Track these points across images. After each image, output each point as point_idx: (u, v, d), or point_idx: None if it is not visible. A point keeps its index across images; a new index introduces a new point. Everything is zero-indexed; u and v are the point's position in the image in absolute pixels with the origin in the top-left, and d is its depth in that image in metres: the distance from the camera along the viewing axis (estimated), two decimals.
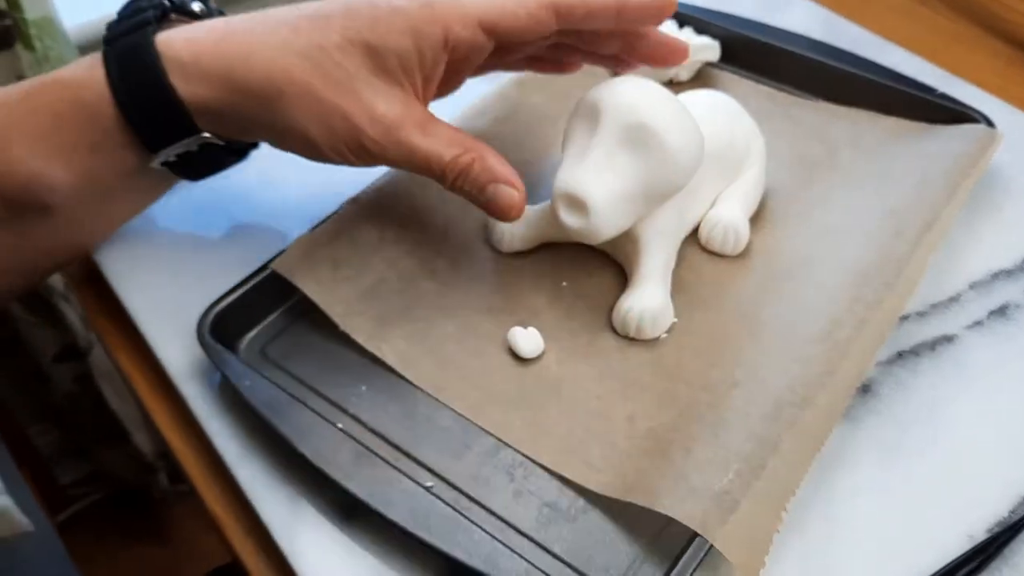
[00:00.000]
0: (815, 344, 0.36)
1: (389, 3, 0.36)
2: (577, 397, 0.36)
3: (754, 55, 0.51)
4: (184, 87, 0.36)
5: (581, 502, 0.33)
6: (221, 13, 0.41)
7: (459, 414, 0.36)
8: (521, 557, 0.31)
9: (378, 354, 0.38)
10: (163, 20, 0.38)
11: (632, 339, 0.38)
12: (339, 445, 0.34)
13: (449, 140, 0.37)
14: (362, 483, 0.33)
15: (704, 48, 0.51)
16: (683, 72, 0.50)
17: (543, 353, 0.38)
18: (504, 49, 0.39)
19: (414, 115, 0.37)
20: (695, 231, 0.42)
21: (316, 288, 0.39)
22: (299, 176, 0.40)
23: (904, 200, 0.41)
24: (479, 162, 0.36)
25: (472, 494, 0.34)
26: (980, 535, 0.33)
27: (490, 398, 0.36)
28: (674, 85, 0.51)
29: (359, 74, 0.36)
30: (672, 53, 0.40)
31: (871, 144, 0.46)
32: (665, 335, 0.38)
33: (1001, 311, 0.40)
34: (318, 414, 0.35)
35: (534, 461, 0.35)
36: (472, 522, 0.32)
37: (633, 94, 0.36)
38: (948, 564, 0.32)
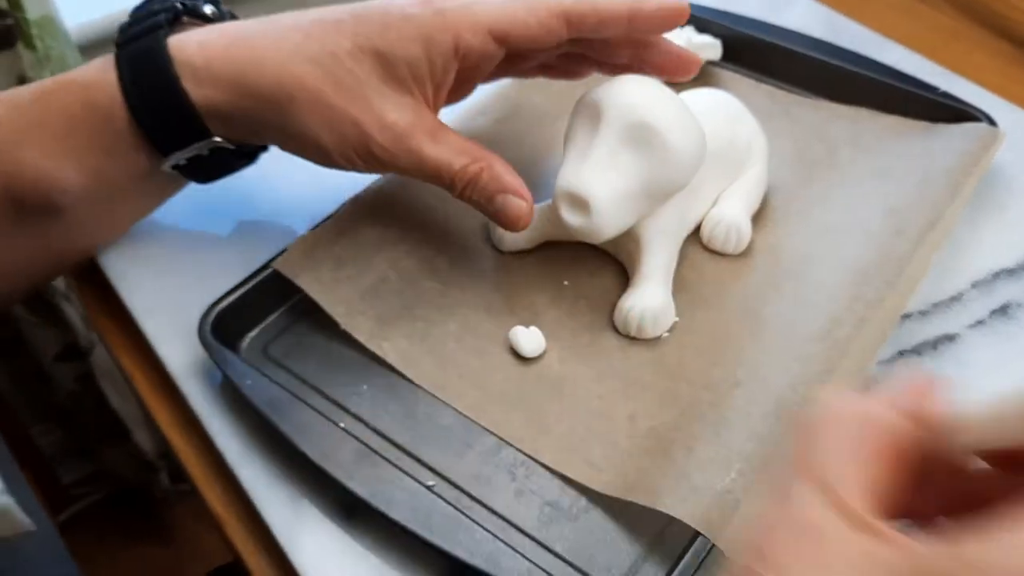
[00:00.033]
0: (816, 343, 0.36)
1: (400, 10, 0.36)
2: (578, 396, 0.36)
3: (756, 54, 0.51)
4: (196, 91, 0.37)
5: (583, 501, 0.33)
6: (233, 16, 0.41)
7: (460, 413, 0.36)
8: (523, 556, 0.31)
9: (379, 353, 0.38)
10: (175, 23, 0.39)
11: (634, 338, 0.38)
12: (341, 444, 0.34)
13: (458, 149, 0.37)
14: (363, 482, 0.33)
15: (706, 47, 0.51)
16: None
17: (544, 352, 0.38)
18: (515, 57, 0.39)
19: (424, 123, 0.37)
20: (697, 230, 0.42)
21: (317, 287, 0.39)
22: (300, 175, 0.40)
23: (906, 199, 0.41)
24: (488, 172, 0.37)
25: (474, 493, 0.34)
26: None
27: (491, 397, 0.36)
28: (675, 84, 0.51)
29: (370, 81, 0.36)
30: (683, 65, 0.39)
31: (873, 143, 0.46)
32: (666, 334, 0.38)
33: (1003, 310, 0.40)
34: (319, 413, 0.35)
35: (536, 460, 0.35)
36: (474, 521, 0.32)
37: (634, 93, 0.36)
38: None
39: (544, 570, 0.31)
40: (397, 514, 0.32)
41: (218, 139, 0.38)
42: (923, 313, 0.40)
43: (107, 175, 0.39)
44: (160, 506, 1.19)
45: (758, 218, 0.42)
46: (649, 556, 0.32)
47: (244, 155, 0.41)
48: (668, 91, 0.37)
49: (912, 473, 0.20)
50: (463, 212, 0.43)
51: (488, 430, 0.36)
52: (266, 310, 0.41)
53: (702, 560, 0.31)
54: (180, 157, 0.39)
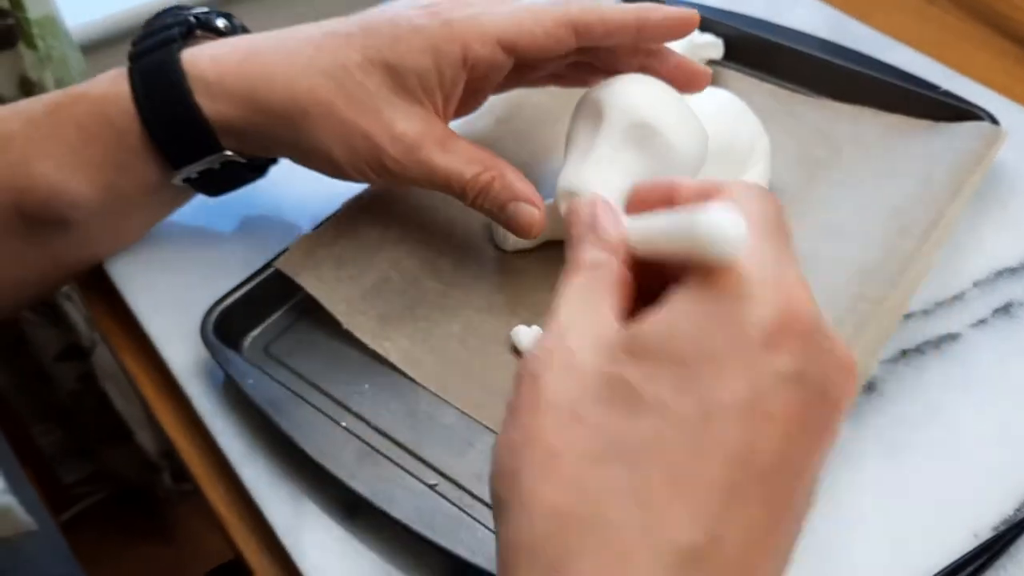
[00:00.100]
0: None
1: (409, 21, 0.36)
2: None
3: (758, 53, 0.51)
4: (209, 106, 0.37)
5: None
6: (245, 30, 0.41)
7: (462, 412, 0.36)
8: None
9: (381, 352, 0.38)
10: (188, 37, 0.39)
11: None
12: (343, 443, 0.34)
13: (469, 158, 0.37)
14: (366, 481, 0.33)
15: (708, 46, 0.51)
16: None
17: None
18: (524, 67, 0.39)
19: (434, 133, 0.37)
20: None
21: (319, 287, 0.39)
22: (302, 175, 0.40)
23: (908, 198, 0.41)
24: (499, 180, 0.37)
25: (476, 492, 0.34)
26: (985, 533, 0.33)
27: (494, 396, 0.36)
28: None
29: (380, 93, 0.36)
30: (692, 78, 0.39)
31: (875, 142, 0.46)
32: None
33: (1005, 309, 0.40)
34: (321, 412, 0.35)
35: None
36: (475, 520, 0.32)
37: (636, 93, 0.36)
38: (953, 562, 0.32)
39: None
40: (399, 513, 0.32)
41: (229, 153, 0.39)
42: (925, 312, 0.40)
43: (118, 188, 0.39)
44: (162, 506, 1.19)
45: None
46: None
47: (254, 168, 0.42)
48: (670, 91, 0.37)
49: (641, 279, 0.25)
50: (465, 212, 0.43)
51: (490, 429, 0.36)
52: (268, 309, 0.41)
53: None
54: (192, 170, 0.39)
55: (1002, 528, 0.33)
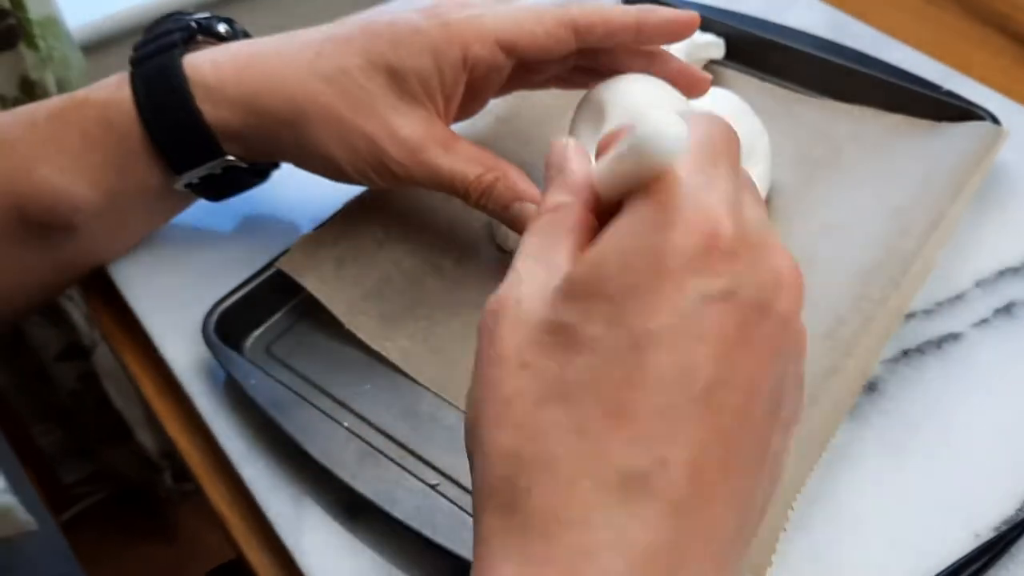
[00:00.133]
0: (820, 342, 0.36)
1: (408, 23, 0.36)
2: None
3: (759, 52, 0.51)
4: (210, 111, 0.37)
5: None
6: (246, 35, 0.41)
7: (464, 412, 0.36)
8: None
9: (383, 352, 0.38)
10: (190, 42, 0.39)
11: None
12: (344, 444, 0.34)
13: (472, 159, 0.37)
14: (367, 481, 0.33)
15: (708, 46, 0.50)
16: None
17: None
18: (525, 69, 0.40)
19: (436, 135, 0.37)
20: None
21: (321, 286, 0.39)
22: (303, 175, 0.40)
23: (909, 198, 0.41)
24: (502, 181, 0.37)
25: None
26: (987, 533, 0.33)
27: None
28: None
29: (382, 96, 0.36)
30: (693, 83, 0.39)
31: (876, 142, 0.46)
32: None
33: (1007, 309, 0.40)
34: (323, 412, 0.35)
35: None
36: None
37: (638, 92, 0.36)
38: (955, 562, 0.32)
39: None
40: (400, 513, 0.32)
41: (231, 158, 0.39)
42: (927, 312, 0.40)
43: (120, 193, 0.39)
44: (163, 505, 1.19)
45: None
46: None
47: (256, 173, 0.42)
48: (672, 90, 0.37)
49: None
50: (466, 211, 0.43)
51: None
52: (269, 309, 0.41)
53: None
54: (193, 175, 0.39)
55: (1003, 528, 0.33)
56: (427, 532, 0.31)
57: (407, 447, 0.35)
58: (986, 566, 0.32)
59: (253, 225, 0.45)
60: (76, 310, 0.95)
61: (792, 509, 0.31)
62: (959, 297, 0.40)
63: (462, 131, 0.39)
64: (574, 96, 0.40)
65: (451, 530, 0.31)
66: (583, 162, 0.26)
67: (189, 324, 0.39)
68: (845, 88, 0.48)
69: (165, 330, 0.41)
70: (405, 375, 0.38)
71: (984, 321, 0.39)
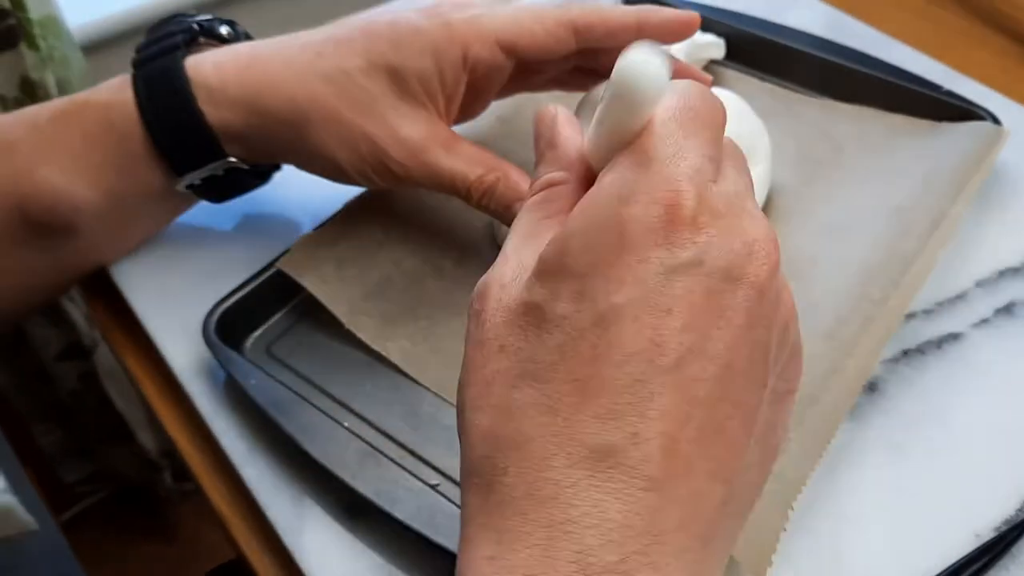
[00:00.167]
0: (822, 341, 0.36)
1: (409, 23, 0.36)
2: None
3: (759, 53, 0.51)
4: (212, 112, 0.37)
5: None
6: (248, 36, 0.41)
7: None
8: None
9: (383, 353, 0.38)
10: (192, 44, 0.39)
11: None
12: (345, 444, 0.34)
13: (473, 159, 0.37)
14: (367, 481, 0.33)
15: (709, 46, 0.50)
16: None
17: None
18: (526, 70, 0.40)
19: (438, 135, 0.37)
20: None
21: (321, 287, 0.39)
22: (304, 175, 0.40)
23: (910, 198, 0.41)
24: (503, 181, 0.37)
25: None
26: (987, 533, 0.33)
27: None
28: None
29: (383, 97, 0.36)
30: None
31: (877, 142, 0.46)
32: None
33: (1007, 309, 0.40)
34: (324, 413, 0.35)
35: None
36: None
37: None
38: (955, 562, 0.32)
39: None
40: (401, 513, 0.32)
41: (233, 159, 0.39)
42: (927, 312, 0.40)
43: (122, 194, 0.39)
44: (163, 505, 1.19)
45: None
46: None
47: (258, 174, 0.42)
48: None
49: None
50: (466, 211, 0.43)
51: None
52: (270, 310, 0.41)
53: None
54: (195, 177, 0.39)
55: (1004, 528, 0.33)
56: (427, 532, 0.31)
57: (407, 447, 0.35)
58: (986, 566, 0.32)
59: (253, 225, 0.45)
60: (76, 310, 0.95)
61: (792, 509, 0.31)
62: (960, 297, 0.40)
63: (463, 132, 0.39)
64: (575, 96, 0.40)
65: (451, 530, 0.31)
66: (574, 134, 0.26)
67: (189, 324, 0.39)
68: (846, 88, 0.48)
69: (165, 330, 0.41)
70: (406, 375, 0.38)
71: (985, 321, 0.39)
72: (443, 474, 0.34)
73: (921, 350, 0.38)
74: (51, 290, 0.45)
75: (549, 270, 0.22)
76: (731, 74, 0.51)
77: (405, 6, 0.38)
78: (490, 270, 0.24)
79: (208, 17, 0.41)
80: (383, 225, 0.42)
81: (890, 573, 0.32)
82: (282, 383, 0.36)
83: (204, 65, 0.37)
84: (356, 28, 0.37)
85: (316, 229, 0.41)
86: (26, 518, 0.51)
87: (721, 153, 0.24)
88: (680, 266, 0.21)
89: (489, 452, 0.22)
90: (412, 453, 0.35)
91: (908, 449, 0.35)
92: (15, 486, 0.51)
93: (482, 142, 0.38)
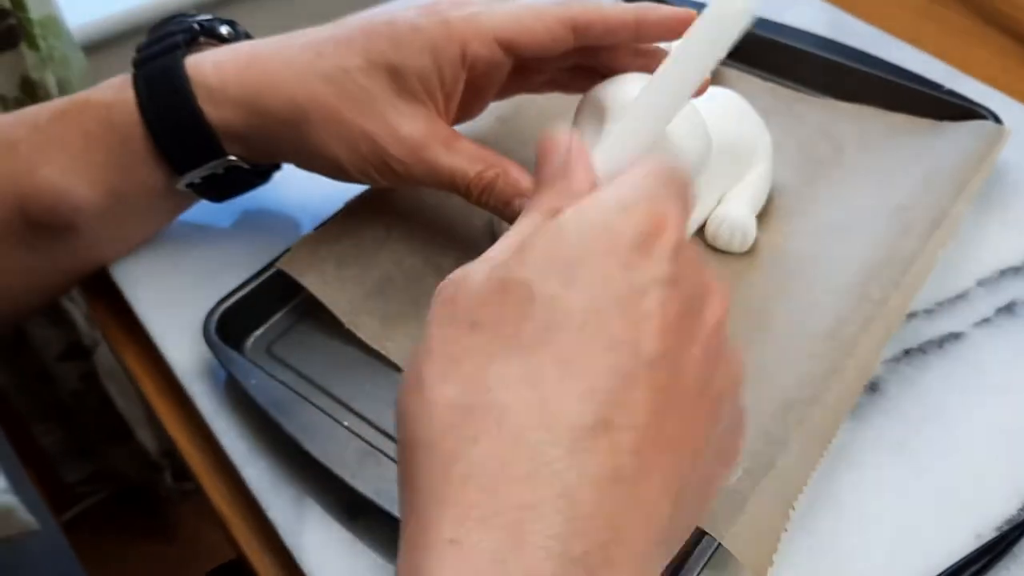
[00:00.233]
0: (823, 341, 0.36)
1: (407, 22, 0.36)
2: None
3: (760, 52, 0.51)
4: (212, 111, 0.37)
5: None
6: (248, 36, 0.41)
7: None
8: None
9: (383, 352, 0.38)
10: (192, 43, 0.39)
11: None
12: (345, 443, 0.34)
13: (472, 156, 0.37)
14: (368, 481, 0.33)
15: None
16: None
17: None
18: (525, 70, 0.40)
19: (437, 133, 0.37)
20: (701, 228, 0.42)
21: (322, 286, 0.39)
22: (304, 174, 0.40)
23: (911, 197, 0.41)
24: (503, 177, 0.37)
25: None
26: (988, 533, 0.33)
27: None
28: None
29: (383, 95, 0.36)
30: None
31: (878, 141, 0.46)
32: None
33: (1009, 308, 0.40)
34: (324, 412, 0.35)
35: None
36: None
37: (639, 91, 0.36)
38: (957, 562, 0.32)
39: None
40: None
41: (233, 158, 0.39)
42: (929, 312, 0.40)
43: (122, 193, 0.39)
44: (164, 504, 1.19)
45: (763, 217, 0.42)
46: None
47: (258, 174, 0.42)
48: None
49: None
50: (467, 209, 0.43)
51: None
52: (270, 309, 0.41)
53: (708, 559, 0.31)
54: (195, 176, 0.39)
55: (1005, 528, 0.33)
56: None
57: None
58: (988, 566, 0.32)
59: (254, 225, 0.45)
60: (77, 310, 0.95)
61: (793, 509, 0.31)
62: (961, 296, 0.40)
63: (463, 131, 0.39)
64: (575, 96, 0.40)
65: None
66: (586, 167, 0.27)
67: (190, 324, 0.39)
68: (846, 87, 0.48)
69: (166, 330, 0.41)
70: None
71: (986, 320, 0.39)
72: None
73: (922, 349, 0.38)
74: (52, 290, 0.45)
75: (542, 252, 0.23)
76: (732, 73, 0.51)
77: (405, 5, 0.38)
78: (464, 267, 0.25)
79: (208, 17, 0.41)
80: (384, 224, 0.42)
81: (891, 573, 0.32)
82: (282, 383, 0.36)
83: (204, 64, 0.37)
84: (355, 27, 0.37)
85: (316, 228, 0.41)
86: (27, 518, 0.51)
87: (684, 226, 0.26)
88: (661, 279, 0.23)
89: (455, 423, 0.22)
90: None
91: (909, 449, 0.35)
92: (16, 486, 0.51)
93: (483, 142, 0.38)
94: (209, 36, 0.40)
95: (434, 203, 0.43)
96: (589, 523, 0.21)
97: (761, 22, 0.52)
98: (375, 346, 0.38)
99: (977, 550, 0.32)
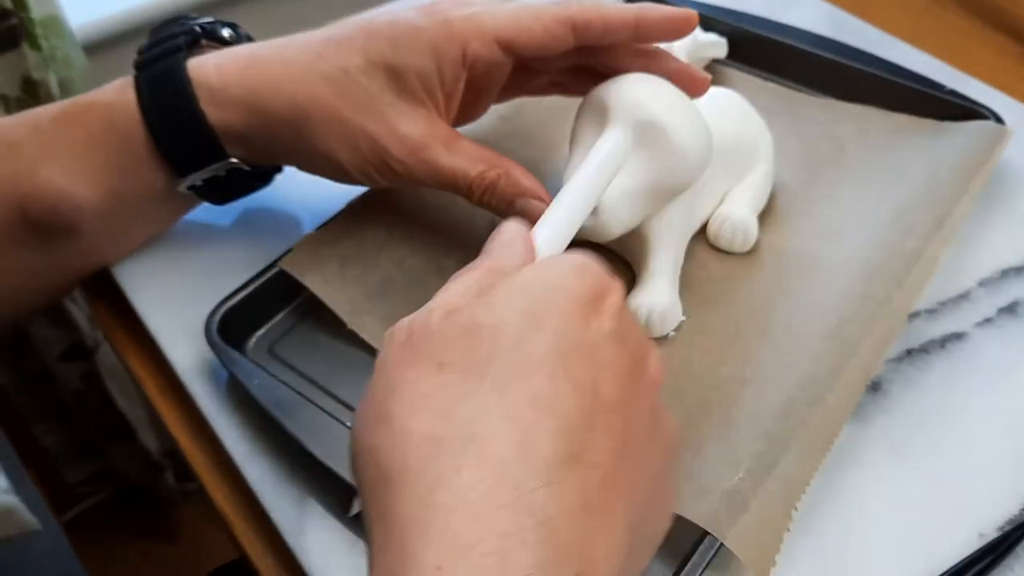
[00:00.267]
0: (824, 342, 0.36)
1: (407, 22, 0.36)
2: None
3: (762, 52, 0.51)
4: (213, 113, 0.37)
5: None
6: (250, 39, 0.41)
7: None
8: None
9: None
10: (194, 46, 0.39)
11: None
12: (347, 443, 0.34)
13: (474, 156, 0.37)
14: None
15: (711, 45, 0.50)
16: None
17: None
18: (526, 71, 0.40)
19: (438, 133, 0.37)
20: (703, 228, 0.42)
21: (323, 286, 0.39)
22: (306, 175, 0.40)
23: (913, 197, 0.41)
24: (505, 178, 0.37)
25: None
26: (991, 533, 0.32)
27: None
28: None
29: (383, 96, 0.36)
30: (693, 83, 0.39)
31: (880, 141, 0.46)
32: (673, 333, 0.38)
33: (1011, 308, 0.40)
34: (326, 412, 0.35)
35: None
36: None
37: (641, 91, 0.36)
38: (959, 562, 0.32)
39: None
40: None
41: (235, 160, 0.39)
42: (931, 312, 0.40)
43: (124, 195, 0.39)
44: (165, 505, 1.19)
45: (765, 217, 0.42)
46: (657, 556, 0.32)
47: (259, 176, 0.42)
48: (675, 90, 0.37)
49: None
50: (469, 210, 0.43)
51: None
52: (272, 309, 0.41)
53: (710, 560, 0.31)
54: (197, 178, 0.39)
55: (1008, 528, 0.33)
56: None
57: None
58: (990, 566, 0.32)
59: (255, 225, 0.45)
60: (79, 310, 0.95)
61: (796, 509, 0.31)
62: (963, 296, 0.40)
63: (464, 133, 0.39)
64: (575, 102, 0.39)
65: None
66: (531, 246, 0.30)
67: (192, 324, 0.39)
68: (848, 87, 0.48)
69: (168, 330, 0.41)
70: None
71: (988, 320, 0.39)
72: None
73: (925, 349, 0.38)
74: (53, 291, 0.45)
75: (506, 302, 0.25)
76: (733, 73, 0.51)
77: (405, 6, 0.38)
78: (413, 315, 0.26)
79: (210, 20, 0.41)
80: (385, 224, 0.42)
81: (894, 573, 0.32)
82: (284, 383, 0.36)
83: (206, 66, 0.37)
84: (355, 28, 0.37)
85: (318, 228, 0.41)
86: (28, 518, 0.51)
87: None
88: (612, 336, 0.25)
89: (435, 454, 0.22)
90: None
91: (912, 449, 0.35)
92: (17, 486, 0.51)
93: (484, 141, 0.38)
94: (211, 39, 0.40)
95: (436, 203, 0.43)
96: (566, 552, 0.22)
97: (762, 22, 0.52)
98: (377, 346, 0.38)
99: (980, 550, 0.32)
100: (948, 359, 0.38)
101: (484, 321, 0.25)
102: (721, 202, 0.42)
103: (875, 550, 0.32)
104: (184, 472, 1.14)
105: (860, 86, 0.48)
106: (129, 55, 0.39)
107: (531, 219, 0.37)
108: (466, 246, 0.42)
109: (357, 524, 0.34)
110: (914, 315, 0.39)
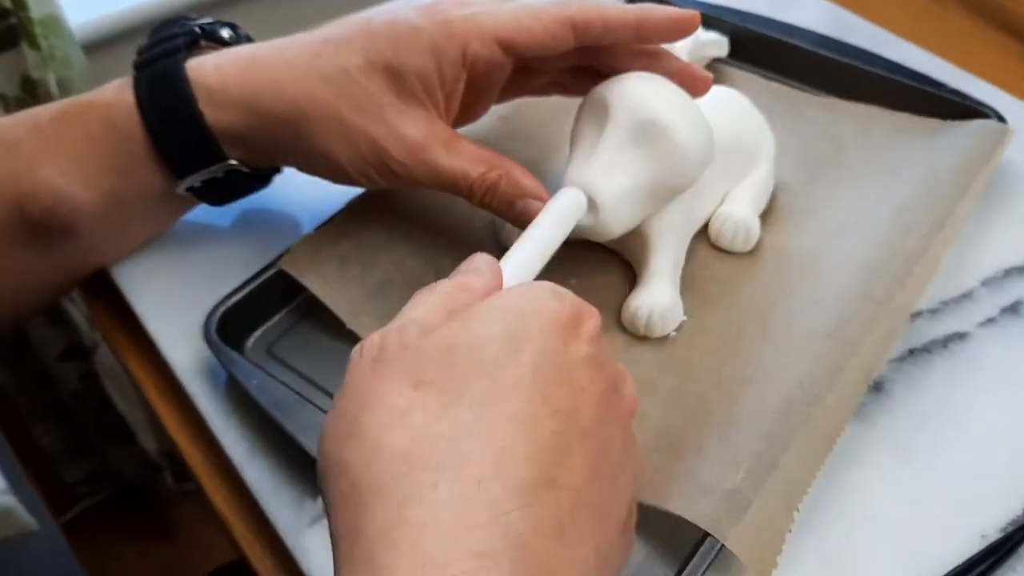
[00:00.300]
0: (826, 341, 0.35)
1: (407, 22, 0.36)
2: None
3: (763, 51, 0.51)
4: (212, 114, 0.37)
5: None
6: (249, 39, 0.41)
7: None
8: None
9: None
10: (193, 47, 0.39)
11: (642, 337, 0.38)
12: None
13: (474, 157, 0.37)
14: None
15: (712, 44, 0.50)
16: None
17: None
18: (526, 71, 0.40)
19: (438, 134, 0.37)
20: (704, 228, 0.41)
21: (323, 286, 0.39)
22: (305, 175, 0.40)
23: (914, 197, 0.41)
24: (506, 179, 0.37)
25: None
26: (993, 534, 0.32)
27: None
28: None
29: (382, 96, 0.36)
30: (693, 83, 0.39)
31: (881, 140, 0.45)
32: (674, 333, 0.38)
33: (1013, 308, 0.40)
34: (325, 412, 0.35)
35: None
36: None
37: (642, 90, 0.36)
38: (961, 563, 0.31)
39: None
40: None
41: (233, 162, 0.39)
42: (933, 311, 0.39)
43: (122, 196, 0.39)
44: (164, 505, 1.19)
45: (766, 216, 0.42)
46: (657, 556, 0.32)
47: (258, 178, 0.42)
48: (676, 89, 0.37)
49: None
50: (469, 210, 0.42)
51: None
52: (271, 310, 0.40)
53: (711, 561, 0.31)
54: (195, 179, 0.39)
55: (1010, 529, 0.32)
56: None
57: None
58: (992, 567, 0.32)
59: (254, 225, 0.45)
60: (77, 310, 0.95)
61: (798, 510, 0.31)
62: (965, 296, 0.40)
63: (465, 133, 0.39)
64: (574, 102, 0.39)
65: None
66: (499, 273, 0.29)
67: (190, 324, 0.39)
68: (849, 86, 0.48)
69: (166, 331, 0.40)
70: None
71: (991, 320, 0.39)
72: None
73: (927, 349, 0.38)
74: (51, 291, 0.45)
75: (484, 323, 0.25)
76: (734, 72, 0.51)
77: (404, 5, 0.38)
78: (382, 330, 0.26)
79: (210, 20, 0.41)
80: (385, 225, 0.42)
81: (896, 574, 0.32)
82: (283, 383, 0.36)
83: (205, 67, 0.37)
84: (355, 28, 0.37)
85: (317, 228, 0.41)
86: (27, 518, 0.50)
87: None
88: (589, 360, 0.26)
89: (409, 471, 0.22)
90: None
91: (914, 449, 0.35)
92: (15, 487, 0.51)
93: (484, 141, 0.38)
94: (210, 39, 0.40)
95: (435, 204, 0.43)
96: (540, 573, 0.22)
97: (764, 21, 0.52)
98: None
99: (982, 551, 0.32)
100: (951, 359, 0.38)
101: (463, 340, 0.25)
102: (722, 201, 0.42)
103: (877, 551, 0.32)
104: (182, 472, 1.14)
105: (861, 85, 0.48)
106: (128, 55, 0.39)
107: (530, 219, 0.37)
108: (465, 247, 0.42)
109: None
110: (916, 315, 0.39)
